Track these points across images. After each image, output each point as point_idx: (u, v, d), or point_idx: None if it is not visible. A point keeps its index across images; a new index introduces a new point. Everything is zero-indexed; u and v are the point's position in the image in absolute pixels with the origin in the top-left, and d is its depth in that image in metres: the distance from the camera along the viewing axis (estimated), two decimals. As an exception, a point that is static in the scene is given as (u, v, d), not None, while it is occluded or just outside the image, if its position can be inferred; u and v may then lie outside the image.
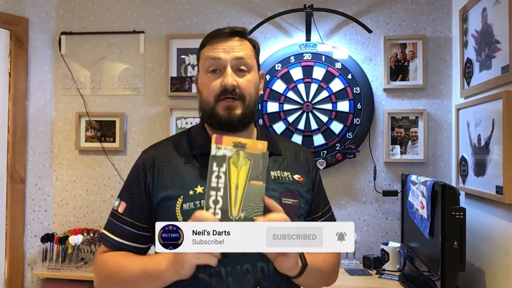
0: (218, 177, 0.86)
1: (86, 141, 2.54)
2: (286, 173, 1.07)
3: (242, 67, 1.02)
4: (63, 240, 2.32)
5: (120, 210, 1.05)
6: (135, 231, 1.04)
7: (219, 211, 0.84)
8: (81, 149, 2.54)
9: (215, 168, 0.86)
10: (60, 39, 2.56)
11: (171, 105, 2.48)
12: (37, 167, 2.51)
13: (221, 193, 0.85)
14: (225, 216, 0.84)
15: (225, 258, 0.92)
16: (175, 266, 0.87)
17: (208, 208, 0.84)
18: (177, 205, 0.98)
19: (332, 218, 1.17)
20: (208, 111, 1.02)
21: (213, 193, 0.85)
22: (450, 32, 2.33)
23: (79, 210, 2.55)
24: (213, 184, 0.86)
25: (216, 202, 0.85)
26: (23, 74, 2.44)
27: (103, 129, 2.52)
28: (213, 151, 0.87)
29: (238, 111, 1.00)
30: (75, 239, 2.31)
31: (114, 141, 2.51)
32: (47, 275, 2.30)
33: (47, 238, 2.37)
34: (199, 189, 0.99)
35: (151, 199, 1.03)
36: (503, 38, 1.68)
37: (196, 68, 2.40)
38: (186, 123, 2.47)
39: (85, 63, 2.56)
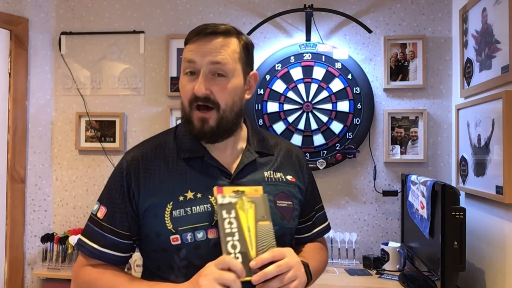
0: (230, 223, 0.89)
1: (86, 141, 2.54)
2: (278, 174, 1.04)
3: (220, 72, 0.93)
4: (63, 240, 2.33)
5: (100, 215, 0.98)
6: (117, 239, 0.96)
7: (239, 255, 0.86)
8: (81, 149, 2.54)
9: (225, 215, 0.89)
10: (60, 39, 2.56)
11: (171, 105, 2.48)
12: (37, 167, 2.51)
13: (236, 237, 0.88)
14: (246, 259, 0.87)
15: None
16: None
17: (229, 254, 0.86)
18: (166, 212, 0.93)
19: (323, 217, 1.18)
20: (185, 117, 0.97)
21: (229, 238, 0.87)
22: (450, 32, 2.33)
23: (79, 210, 2.55)
24: (227, 230, 0.88)
25: (234, 247, 0.87)
26: (23, 74, 2.44)
27: (103, 129, 2.52)
28: (220, 200, 0.90)
29: (212, 123, 0.94)
30: (75, 239, 2.31)
31: (114, 141, 2.51)
32: (47, 275, 2.30)
33: (47, 238, 2.37)
34: (189, 195, 0.94)
35: (136, 205, 0.96)
36: (503, 38, 1.68)
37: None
38: (186, 123, 2.47)
39: (85, 63, 2.56)
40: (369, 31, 2.32)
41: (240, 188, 0.93)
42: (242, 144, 1.04)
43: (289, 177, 1.06)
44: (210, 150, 1.00)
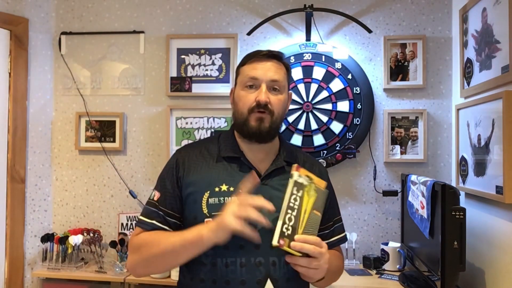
0: (295, 199, 1.03)
1: (86, 141, 2.54)
2: None
3: (276, 87, 1.16)
4: (63, 240, 2.33)
5: (155, 198, 1.18)
6: (167, 217, 1.16)
7: (290, 228, 1.00)
8: (81, 149, 2.54)
9: (294, 191, 1.03)
10: (60, 39, 2.56)
11: (171, 105, 2.48)
12: (37, 167, 2.51)
13: (294, 213, 1.02)
14: (293, 233, 1.01)
15: (241, 249, 1.08)
16: (216, 230, 0.99)
17: (283, 224, 1.00)
18: (203, 199, 1.12)
19: (341, 228, 1.34)
20: (241, 121, 1.16)
21: (289, 211, 1.01)
22: (450, 32, 2.33)
23: (79, 210, 2.55)
24: (291, 204, 1.02)
25: (290, 219, 1.01)
26: (23, 74, 2.44)
27: (103, 129, 2.52)
28: (295, 177, 1.04)
29: (267, 124, 1.14)
30: (75, 239, 2.31)
31: (114, 141, 2.51)
32: (47, 275, 2.30)
33: (47, 238, 2.37)
34: (224, 187, 1.13)
35: (182, 190, 1.16)
36: (503, 38, 1.68)
37: (195, 68, 2.47)
38: (186, 123, 2.47)
39: (85, 63, 2.56)
40: (369, 31, 2.32)
41: (311, 175, 1.07)
42: (274, 153, 1.22)
43: None
44: (246, 154, 1.19)
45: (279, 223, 0.99)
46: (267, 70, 1.15)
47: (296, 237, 1.00)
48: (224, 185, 1.14)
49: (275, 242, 0.98)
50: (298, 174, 1.04)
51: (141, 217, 1.19)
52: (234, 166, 1.17)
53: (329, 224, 1.28)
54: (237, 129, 1.21)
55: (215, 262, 1.09)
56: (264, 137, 1.16)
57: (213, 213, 1.09)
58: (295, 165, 1.07)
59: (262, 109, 1.13)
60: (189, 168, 1.18)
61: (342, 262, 1.30)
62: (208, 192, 1.13)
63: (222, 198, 1.11)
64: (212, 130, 2.42)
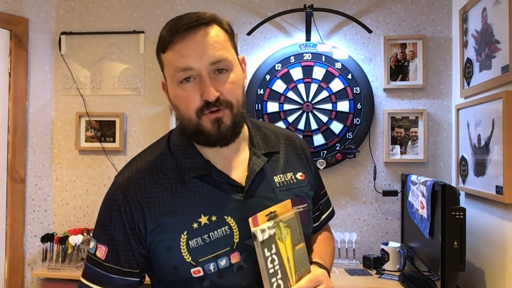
0: (272, 260, 0.81)
1: (86, 141, 2.54)
2: (289, 175, 0.97)
3: (221, 68, 0.83)
4: (63, 240, 2.32)
5: (100, 255, 0.86)
6: (127, 278, 0.86)
7: None
8: (81, 149, 2.54)
9: (267, 253, 0.80)
10: (60, 39, 2.56)
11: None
12: (37, 167, 2.51)
13: (279, 275, 0.81)
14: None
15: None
16: None
17: None
18: (182, 243, 0.84)
19: (328, 203, 1.14)
20: (192, 129, 0.85)
21: (273, 279, 0.80)
22: (450, 32, 2.33)
23: (79, 210, 2.55)
24: (271, 270, 0.80)
25: (279, 286, 0.81)
26: (23, 74, 2.44)
27: (103, 129, 2.52)
28: (260, 237, 0.79)
29: (228, 122, 0.84)
30: (75, 239, 2.31)
31: (114, 141, 2.51)
32: (47, 275, 2.30)
33: (47, 238, 2.37)
34: (204, 219, 0.85)
35: (144, 240, 0.86)
36: (503, 38, 1.68)
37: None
38: (186, 123, 2.47)
39: (85, 63, 2.56)
40: (369, 31, 2.32)
41: (271, 209, 0.84)
42: (245, 146, 0.95)
43: (299, 175, 0.99)
44: (215, 162, 0.90)
45: None
46: (200, 51, 0.81)
47: None
48: (202, 216, 0.85)
49: None
50: (260, 231, 0.79)
51: (85, 282, 0.87)
52: (206, 186, 0.87)
53: (318, 204, 1.09)
54: (190, 137, 0.89)
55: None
56: (229, 139, 0.86)
57: (200, 260, 0.83)
58: (250, 220, 0.80)
59: (214, 107, 0.82)
60: (147, 208, 0.85)
61: (333, 242, 1.12)
62: (185, 232, 0.84)
63: (206, 236, 0.84)
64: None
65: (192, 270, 0.83)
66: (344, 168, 2.38)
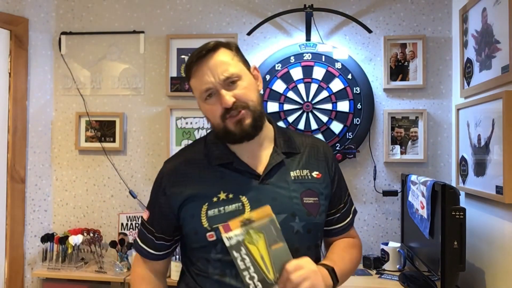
0: (242, 260, 0.94)
1: (86, 141, 2.54)
2: (305, 172, 1.12)
3: (232, 80, 1.03)
4: (63, 240, 2.33)
5: (145, 217, 1.16)
6: (156, 242, 1.13)
7: (258, 283, 0.93)
8: (81, 149, 2.54)
9: (236, 255, 0.93)
10: (60, 39, 2.56)
11: (171, 105, 2.48)
12: (37, 167, 2.51)
13: (252, 270, 0.94)
14: (266, 284, 0.94)
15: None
16: None
17: (249, 286, 0.93)
18: (202, 212, 1.04)
19: (351, 205, 1.26)
20: (221, 132, 1.06)
21: (245, 273, 0.93)
22: (450, 32, 2.33)
23: (79, 210, 2.55)
24: (242, 267, 0.94)
25: (252, 278, 0.93)
26: (23, 74, 2.44)
27: (103, 129, 2.53)
28: (227, 243, 0.93)
29: (248, 120, 1.04)
30: (75, 239, 2.31)
31: (114, 141, 2.51)
32: (47, 275, 2.30)
33: (47, 238, 2.37)
34: (222, 195, 1.05)
35: (174, 207, 1.09)
36: (503, 38, 1.68)
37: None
38: (186, 123, 2.47)
39: (85, 63, 2.56)
40: (369, 31, 2.32)
41: (246, 216, 0.96)
42: (269, 145, 1.12)
43: (315, 174, 1.13)
44: (240, 155, 1.09)
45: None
46: (213, 73, 1.03)
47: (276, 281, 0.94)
48: (222, 193, 1.05)
49: None
50: (227, 238, 0.93)
51: (137, 238, 1.18)
52: (228, 171, 1.08)
53: (339, 207, 1.21)
54: (222, 139, 1.10)
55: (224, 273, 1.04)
56: (252, 134, 1.06)
57: (214, 226, 1.02)
58: (221, 227, 0.95)
59: (234, 111, 1.02)
60: (179, 182, 1.09)
61: (356, 251, 1.20)
62: (207, 204, 1.05)
63: (222, 208, 1.03)
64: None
65: (207, 234, 1.02)
66: (344, 168, 2.38)
